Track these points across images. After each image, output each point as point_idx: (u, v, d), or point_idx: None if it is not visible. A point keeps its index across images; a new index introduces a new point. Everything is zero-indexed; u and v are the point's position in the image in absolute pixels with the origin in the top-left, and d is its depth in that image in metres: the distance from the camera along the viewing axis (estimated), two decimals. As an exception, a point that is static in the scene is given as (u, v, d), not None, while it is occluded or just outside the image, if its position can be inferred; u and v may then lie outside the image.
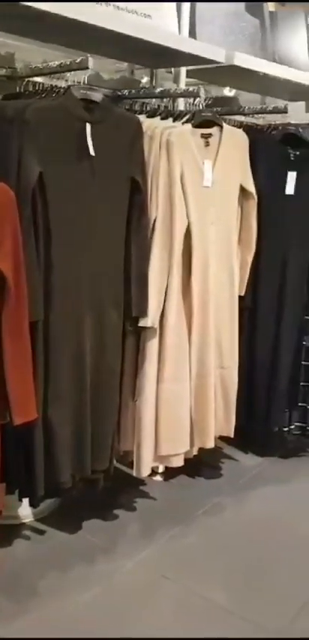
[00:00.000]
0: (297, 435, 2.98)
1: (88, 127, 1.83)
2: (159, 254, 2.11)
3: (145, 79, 2.83)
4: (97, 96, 1.86)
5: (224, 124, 2.23)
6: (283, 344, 2.65)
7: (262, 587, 2.04)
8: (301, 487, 2.73)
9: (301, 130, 2.57)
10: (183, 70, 2.41)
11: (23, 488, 1.93)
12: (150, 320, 2.12)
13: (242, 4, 2.52)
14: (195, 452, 2.46)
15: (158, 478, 2.63)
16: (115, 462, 2.23)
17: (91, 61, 1.80)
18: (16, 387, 1.64)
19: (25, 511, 2.24)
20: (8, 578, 1.92)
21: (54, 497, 2.24)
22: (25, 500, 2.02)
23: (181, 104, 2.37)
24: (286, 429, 2.91)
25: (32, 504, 2.01)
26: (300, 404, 2.88)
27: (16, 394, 1.64)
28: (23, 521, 2.26)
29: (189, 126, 2.13)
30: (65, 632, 1.76)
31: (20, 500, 2.03)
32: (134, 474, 2.26)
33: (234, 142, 2.25)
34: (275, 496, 2.63)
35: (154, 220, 2.09)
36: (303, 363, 2.84)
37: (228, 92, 3.23)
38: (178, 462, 2.35)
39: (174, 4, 2.22)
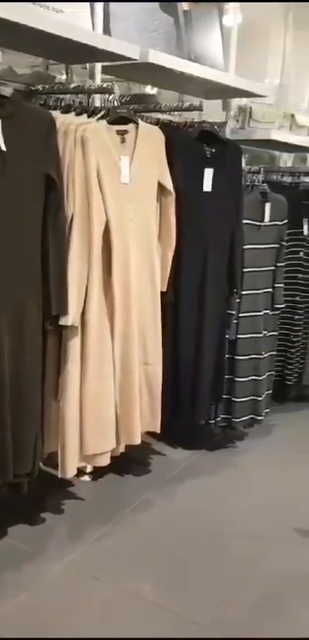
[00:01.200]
0: (223, 427, 3.06)
1: (-1, 122, 1.79)
2: (78, 251, 2.09)
3: (64, 76, 2.80)
4: (7, 90, 1.82)
5: (140, 121, 2.24)
6: (206, 338, 2.69)
7: (191, 579, 2.07)
8: (227, 478, 2.78)
9: (217, 128, 2.62)
10: (98, 66, 2.40)
11: None
12: (70, 318, 2.10)
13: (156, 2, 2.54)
14: (122, 449, 2.46)
15: (86, 478, 2.61)
16: (41, 464, 2.19)
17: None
18: None
19: None
20: None
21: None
22: None
23: (97, 100, 2.36)
24: (212, 422, 2.97)
25: None
26: (224, 396, 2.94)
27: None
28: None
29: (104, 122, 2.12)
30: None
31: None
32: (59, 475, 2.23)
33: (150, 139, 2.26)
34: (203, 489, 2.67)
35: (72, 217, 2.07)
36: (227, 356, 2.91)
37: (150, 90, 3.25)
38: (104, 461, 2.34)
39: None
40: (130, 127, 2.20)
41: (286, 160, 4.34)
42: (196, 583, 2.05)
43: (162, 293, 2.45)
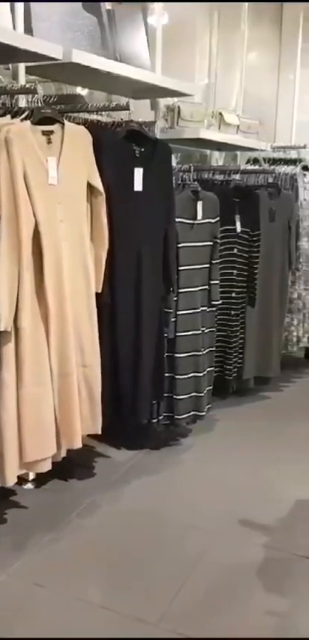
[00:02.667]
0: (166, 425, 3.07)
1: None
2: (7, 255, 2.05)
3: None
4: None
5: (66, 121, 2.22)
6: (144, 337, 2.69)
7: (138, 578, 2.06)
8: (171, 476, 2.80)
9: (146, 128, 2.63)
10: (21, 66, 2.36)
11: None
12: (2, 324, 2.05)
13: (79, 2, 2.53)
14: (63, 454, 2.43)
15: (29, 486, 2.57)
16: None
17: None
18: None
19: None
20: None
21: None
22: None
23: (22, 101, 2.32)
24: (154, 421, 2.98)
25: None
26: (166, 394, 2.95)
27: None
28: None
29: (28, 123, 2.09)
30: None
31: None
32: (-1, 484, 2.18)
33: (77, 139, 2.25)
34: (147, 487, 2.67)
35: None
36: (166, 354, 2.93)
37: (81, 90, 3.23)
38: (45, 467, 2.30)
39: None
40: (56, 127, 2.18)
41: (218, 158, 4.41)
42: (142, 582, 2.05)
43: (97, 294, 2.44)
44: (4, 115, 2.14)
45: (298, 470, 2.88)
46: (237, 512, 2.47)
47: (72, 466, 2.67)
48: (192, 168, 2.96)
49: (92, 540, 2.27)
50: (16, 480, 2.22)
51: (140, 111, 3.02)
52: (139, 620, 1.86)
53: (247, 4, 4.32)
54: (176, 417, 3.01)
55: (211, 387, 3.25)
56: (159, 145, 2.66)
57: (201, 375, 3.06)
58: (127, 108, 2.49)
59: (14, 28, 2.21)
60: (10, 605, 1.91)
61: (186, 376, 3.01)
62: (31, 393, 2.19)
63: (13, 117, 2.13)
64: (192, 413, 3.08)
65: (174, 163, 2.85)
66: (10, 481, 2.18)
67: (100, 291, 2.45)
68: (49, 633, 1.80)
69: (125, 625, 1.84)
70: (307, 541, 2.29)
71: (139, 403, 2.75)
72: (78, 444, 2.35)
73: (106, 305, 2.53)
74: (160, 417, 3.00)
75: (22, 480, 2.43)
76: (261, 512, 2.47)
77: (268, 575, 2.09)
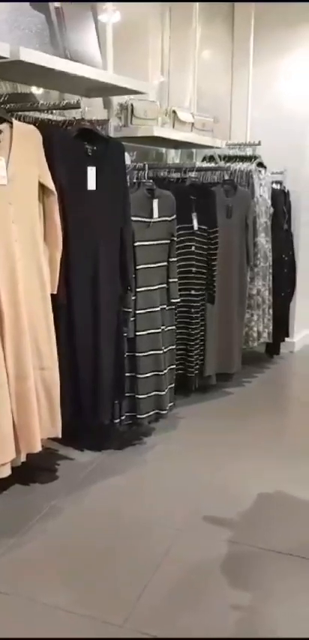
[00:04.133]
0: (128, 425, 3.05)
1: None
2: None
3: None
4: None
5: (14, 121, 2.19)
6: (103, 337, 2.68)
7: (103, 580, 2.04)
8: (136, 475, 2.79)
9: (99, 126, 2.61)
10: None
11: None
12: None
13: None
14: (23, 458, 2.39)
15: (-11, 493, 2.52)
16: None
17: None
18: None
19: None
20: None
21: None
22: None
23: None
24: (117, 421, 2.96)
25: None
26: (127, 394, 2.94)
27: None
28: None
29: (-25, 123, 2.06)
30: None
31: None
32: None
33: (26, 138, 2.22)
34: (112, 488, 2.66)
35: None
36: (127, 354, 2.91)
37: (36, 89, 3.18)
38: (5, 472, 2.26)
39: None
40: (4, 126, 2.14)
41: (173, 156, 4.42)
42: (106, 583, 2.03)
43: (53, 295, 2.41)
44: None
45: (261, 465, 2.90)
46: (201, 509, 2.47)
47: (34, 470, 2.63)
48: (146, 166, 2.95)
49: (55, 544, 2.24)
50: (-26, 488, 2.18)
51: (93, 109, 3.00)
52: (104, 622, 1.84)
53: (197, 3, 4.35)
54: (138, 416, 3.00)
55: (173, 385, 3.26)
56: (111, 143, 2.65)
57: (162, 373, 3.06)
58: (78, 106, 2.46)
59: None
60: (-28, 614, 1.87)
61: (147, 375, 3.00)
62: (-12, 398, 2.15)
63: None
64: (154, 412, 3.08)
65: (128, 161, 2.84)
66: None
67: (55, 292, 2.42)
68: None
69: (91, 627, 1.82)
70: (271, 535, 2.31)
71: (100, 404, 2.73)
72: (37, 448, 2.32)
73: (63, 306, 2.50)
74: (123, 417, 2.98)
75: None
76: (224, 509, 2.48)
77: (233, 570, 2.10)
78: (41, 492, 2.58)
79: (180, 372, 3.49)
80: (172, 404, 3.22)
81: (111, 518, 2.41)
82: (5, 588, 1.98)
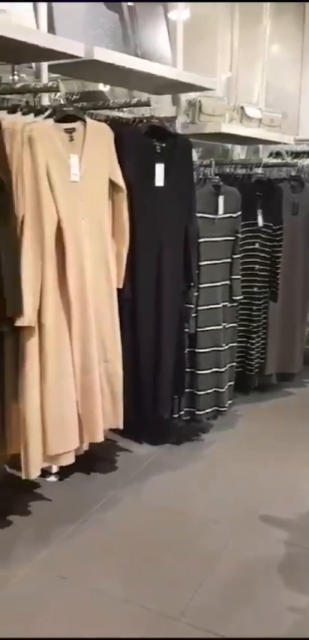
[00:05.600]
0: (187, 420, 3.08)
1: None
2: (30, 252, 2.08)
3: (6, 75, 2.77)
4: None
5: (87, 119, 2.24)
6: (165, 332, 2.70)
7: (159, 573, 2.08)
8: (192, 471, 2.81)
9: (167, 123, 2.63)
10: (44, 65, 2.39)
11: None
12: (26, 319, 2.08)
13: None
14: (86, 447, 2.46)
15: (52, 478, 2.60)
16: (6, 467, 2.18)
17: None
18: None
19: None
20: None
21: None
22: None
23: (45, 99, 2.35)
24: (176, 416, 2.99)
25: None
26: (187, 390, 2.96)
27: None
28: None
29: (51, 121, 2.12)
30: None
31: None
32: (23, 476, 2.21)
33: (99, 136, 2.26)
34: (169, 483, 2.69)
35: (23, 218, 2.06)
36: (187, 349, 2.93)
37: (103, 87, 3.24)
38: (68, 460, 2.33)
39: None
40: (78, 124, 2.19)
41: (239, 152, 4.39)
42: (163, 576, 2.06)
43: (118, 290, 2.45)
44: (27, 113, 2.16)
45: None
46: (258, 509, 2.47)
47: (94, 460, 2.70)
48: (213, 162, 2.95)
49: (114, 534, 2.29)
50: (39, 473, 2.25)
51: (162, 106, 3.03)
52: (160, 614, 1.88)
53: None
54: (197, 412, 3.02)
55: (232, 383, 3.25)
56: (180, 140, 2.66)
57: (222, 370, 3.07)
58: (148, 104, 2.49)
59: (37, 27, 2.23)
60: (33, 597, 1.94)
61: (207, 371, 3.01)
62: (54, 387, 2.22)
63: (36, 115, 2.15)
64: (213, 408, 3.09)
65: (195, 158, 2.85)
66: (34, 474, 2.21)
67: (121, 286, 2.47)
68: (70, 624, 1.83)
69: (146, 618, 1.86)
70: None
71: (160, 398, 2.76)
72: (100, 438, 2.38)
73: (127, 301, 2.54)
74: (182, 413, 3.01)
75: (45, 472, 2.47)
76: (281, 510, 2.47)
77: (289, 572, 2.09)
78: (101, 482, 2.65)
79: (240, 369, 3.48)
80: (231, 401, 3.22)
81: (167, 513, 2.44)
82: (65, 573, 2.05)
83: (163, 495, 2.58)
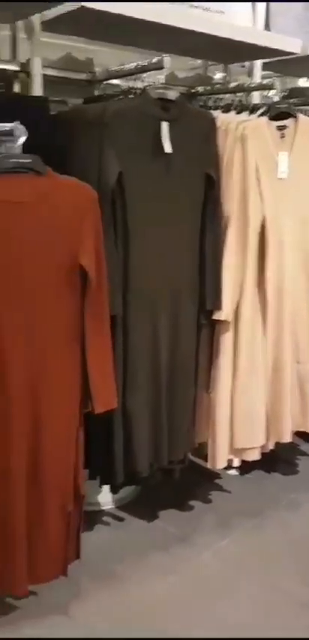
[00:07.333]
0: None
1: (165, 125, 1.87)
2: (234, 248, 2.12)
3: (217, 75, 2.84)
4: (172, 94, 1.89)
5: (300, 115, 2.21)
6: None
7: None
8: None
9: None
10: (258, 63, 2.41)
11: (104, 475, 2.01)
12: (224, 313, 2.13)
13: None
14: (271, 446, 2.44)
15: (233, 472, 2.63)
16: (190, 454, 2.27)
17: (167, 61, 1.84)
18: (98, 377, 1.70)
19: (105, 498, 2.33)
20: (90, 561, 1.99)
21: (133, 485, 2.31)
22: (106, 488, 2.10)
23: (255, 97, 2.37)
24: None
25: (112, 491, 2.08)
26: None
27: (97, 384, 1.70)
28: (103, 508, 2.35)
29: (265, 119, 2.12)
30: (143, 616, 1.83)
31: (101, 487, 2.11)
32: (209, 465, 2.27)
33: (309, 133, 2.22)
34: None
35: (229, 215, 2.10)
36: None
37: (305, 82, 3.17)
38: (254, 456, 2.34)
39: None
40: (290, 121, 2.17)
41: None
42: None
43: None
44: (240, 112, 2.20)
45: None
46: None
47: (275, 460, 2.68)
48: None
49: (294, 536, 2.27)
50: (225, 464, 2.30)
51: None
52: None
53: None
54: None
55: None
56: None
57: None
58: None
59: (254, 25, 2.25)
60: (212, 581, 2.00)
61: None
62: (245, 382, 2.24)
63: (250, 113, 2.18)
64: None
65: None
66: (220, 464, 2.27)
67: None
68: (245, 615, 1.85)
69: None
70: None
71: None
72: (287, 439, 2.35)
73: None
74: None
75: (227, 465, 2.51)
76: None
77: None
78: (281, 483, 2.63)
79: None
80: None
81: None
82: (244, 565, 2.08)
83: None
